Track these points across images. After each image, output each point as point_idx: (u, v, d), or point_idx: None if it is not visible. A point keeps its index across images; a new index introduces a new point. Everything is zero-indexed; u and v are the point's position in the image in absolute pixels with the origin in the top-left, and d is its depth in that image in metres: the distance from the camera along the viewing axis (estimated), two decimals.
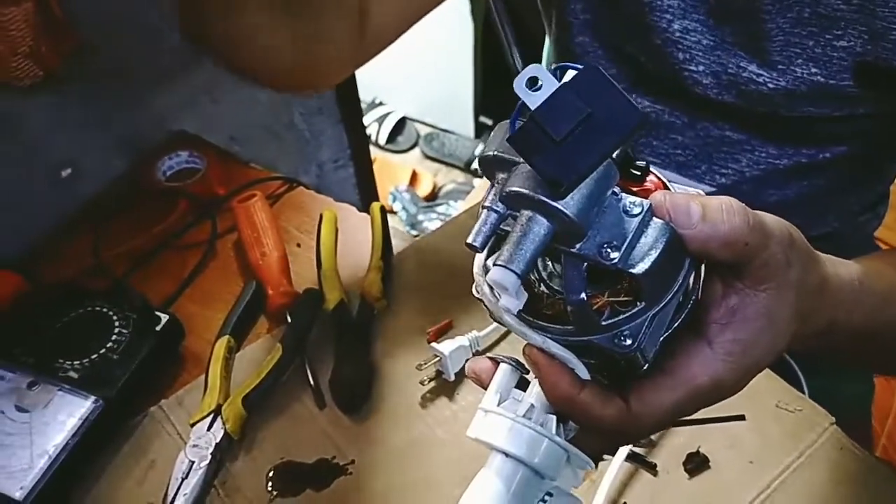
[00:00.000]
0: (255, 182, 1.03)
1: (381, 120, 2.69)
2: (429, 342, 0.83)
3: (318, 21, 0.63)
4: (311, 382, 0.82)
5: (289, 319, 0.85)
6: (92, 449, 0.77)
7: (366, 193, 1.57)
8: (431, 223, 2.37)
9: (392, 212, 2.40)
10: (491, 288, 0.40)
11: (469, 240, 0.38)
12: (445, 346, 0.80)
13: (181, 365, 0.86)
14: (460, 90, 2.55)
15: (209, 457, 0.75)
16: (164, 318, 0.84)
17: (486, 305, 0.41)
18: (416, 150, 2.70)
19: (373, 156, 2.60)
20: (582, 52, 0.83)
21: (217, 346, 0.83)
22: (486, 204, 0.39)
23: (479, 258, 0.42)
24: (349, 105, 1.45)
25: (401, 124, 2.71)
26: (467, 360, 0.48)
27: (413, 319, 0.87)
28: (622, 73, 0.82)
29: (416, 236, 1.00)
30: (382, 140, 2.68)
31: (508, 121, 0.37)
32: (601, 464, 0.72)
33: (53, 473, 0.74)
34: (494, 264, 0.37)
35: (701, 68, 0.75)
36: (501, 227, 0.39)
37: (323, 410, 0.80)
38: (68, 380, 0.79)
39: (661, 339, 0.40)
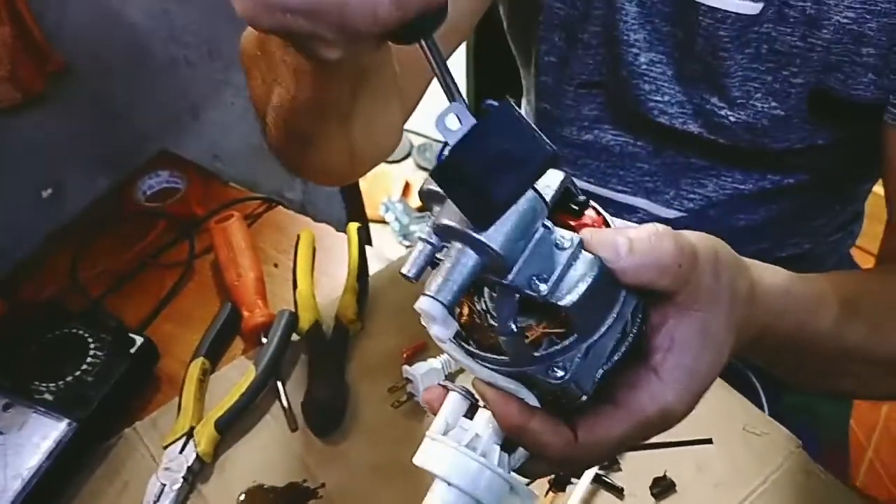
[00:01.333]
0: (234, 202, 1.04)
1: None
2: (403, 364, 0.83)
3: (373, 127, 0.65)
4: (284, 405, 0.82)
5: (263, 341, 0.86)
6: (66, 471, 0.78)
7: (352, 208, 1.58)
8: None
9: (385, 222, 2.41)
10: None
11: (404, 270, 0.39)
12: (417, 369, 0.81)
13: (156, 386, 0.87)
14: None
15: (181, 480, 0.76)
16: (139, 340, 0.85)
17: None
18: (410, 161, 2.71)
19: None
20: (545, 91, 0.84)
21: (191, 368, 0.83)
22: (422, 235, 0.40)
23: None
24: None
25: None
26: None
27: (388, 341, 0.88)
28: (584, 111, 0.83)
29: (408, 247, 1.01)
30: None
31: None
32: (568, 487, 0.73)
33: (28, 496, 0.74)
34: (423, 294, 0.37)
35: (666, 98, 0.76)
36: (437, 257, 0.40)
37: (295, 433, 0.81)
38: (43, 402, 0.80)
39: (604, 370, 0.41)
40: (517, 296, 0.38)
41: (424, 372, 0.80)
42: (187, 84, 1.20)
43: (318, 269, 0.95)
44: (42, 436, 0.78)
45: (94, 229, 1.02)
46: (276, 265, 0.98)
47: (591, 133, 0.85)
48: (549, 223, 0.38)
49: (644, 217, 0.86)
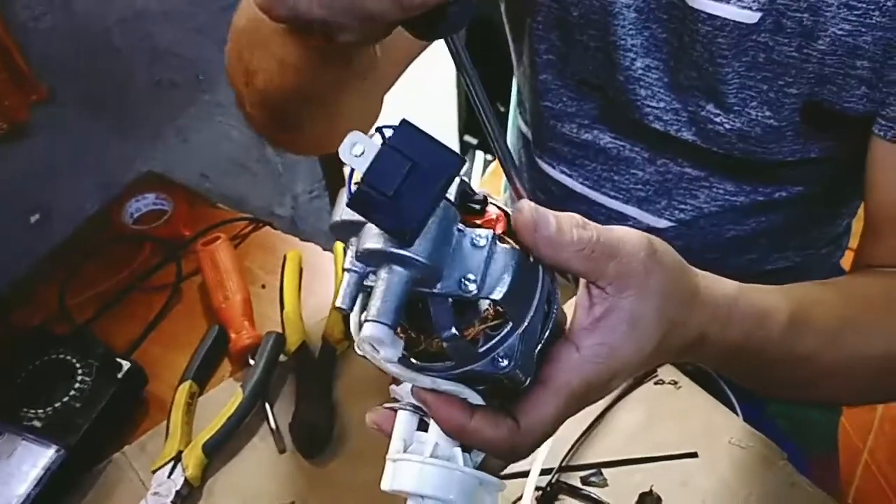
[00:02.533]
0: (220, 223, 1.04)
1: None
2: (390, 384, 0.83)
3: (353, 110, 0.66)
4: (272, 426, 0.83)
5: (251, 363, 0.86)
6: (56, 497, 0.78)
7: None
8: None
9: None
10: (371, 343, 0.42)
11: (337, 303, 0.40)
12: (405, 388, 0.81)
13: (145, 410, 0.87)
14: (444, 110, 2.56)
15: None
16: (127, 364, 0.85)
17: (371, 361, 0.43)
18: None
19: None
20: (545, 89, 0.84)
21: (178, 391, 0.84)
22: (346, 266, 0.41)
23: (354, 318, 0.44)
24: None
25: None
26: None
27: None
28: (586, 109, 0.84)
29: None
30: None
31: (345, 189, 0.40)
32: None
33: None
34: (365, 321, 0.38)
35: (662, 105, 0.77)
36: (365, 283, 0.41)
37: (283, 455, 0.81)
38: (32, 429, 0.80)
39: (538, 350, 0.43)
40: (449, 300, 0.40)
41: (409, 390, 0.80)
42: (173, 105, 1.21)
43: (305, 289, 0.96)
44: (31, 463, 0.78)
45: (82, 254, 1.02)
46: (263, 286, 0.98)
47: (591, 132, 0.85)
48: (461, 225, 0.40)
49: (634, 226, 0.87)
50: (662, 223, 0.86)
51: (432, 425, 0.45)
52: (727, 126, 0.74)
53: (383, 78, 0.68)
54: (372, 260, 0.39)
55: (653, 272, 0.44)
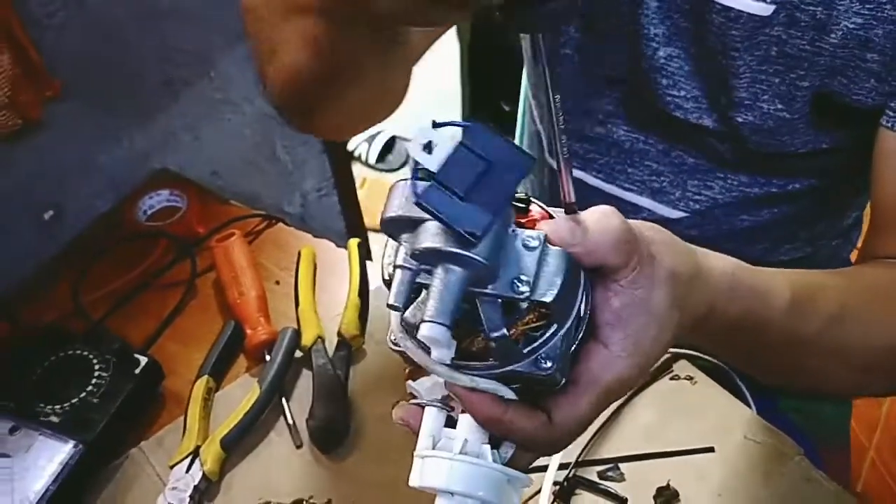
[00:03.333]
0: (234, 220, 1.04)
1: (370, 140, 2.70)
2: (406, 379, 0.84)
3: (381, 91, 0.65)
4: (289, 422, 0.83)
5: (267, 358, 0.86)
6: (73, 493, 0.79)
7: (351, 221, 1.59)
8: None
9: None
10: (416, 341, 0.42)
11: (390, 301, 0.40)
12: (421, 384, 0.81)
13: (161, 405, 0.87)
14: (449, 109, 2.56)
15: (188, 499, 0.76)
16: (143, 360, 0.85)
17: (408, 357, 0.44)
18: (406, 170, 2.72)
19: (363, 176, 2.63)
20: (565, 81, 0.84)
21: (195, 387, 0.84)
22: (399, 263, 0.41)
23: (395, 314, 0.44)
24: None
25: (390, 143, 2.73)
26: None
27: (390, 356, 0.87)
28: (601, 103, 0.84)
29: None
30: (372, 160, 2.69)
31: (405, 181, 0.39)
32: (572, 499, 0.74)
33: None
34: (423, 321, 0.38)
35: (682, 93, 0.77)
36: (417, 281, 0.41)
37: (300, 450, 0.81)
38: (49, 424, 0.80)
39: (572, 351, 0.43)
40: (499, 301, 0.39)
41: (428, 386, 0.80)
42: (184, 103, 1.21)
43: (319, 285, 0.96)
44: (48, 458, 0.78)
45: (96, 251, 1.03)
46: (277, 282, 0.98)
47: (604, 127, 0.85)
48: (513, 226, 0.40)
49: (648, 217, 0.87)
50: (677, 214, 0.86)
51: (461, 422, 0.45)
52: (739, 119, 0.75)
53: (414, 52, 0.66)
54: (429, 259, 0.39)
55: (658, 258, 0.44)
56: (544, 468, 0.73)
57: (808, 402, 0.96)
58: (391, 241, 0.43)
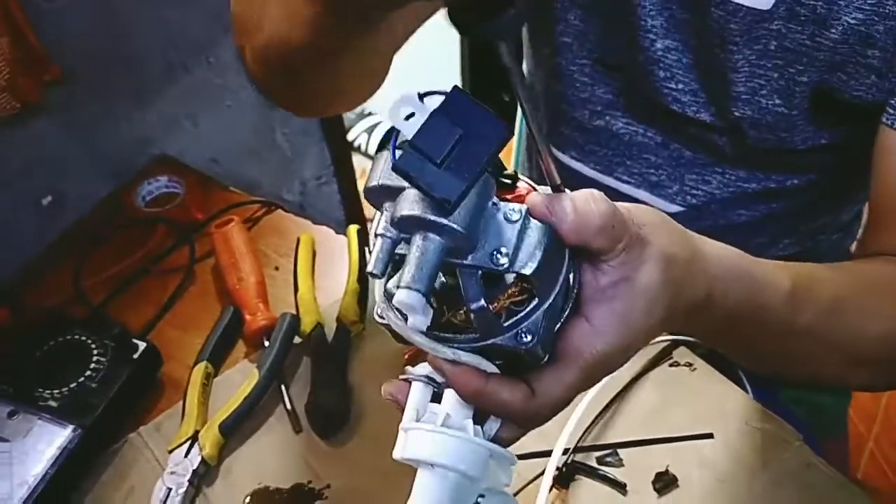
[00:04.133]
0: (233, 206, 1.04)
1: (370, 130, 2.70)
2: (405, 364, 0.84)
3: (362, 70, 0.65)
4: (288, 407, 0.83)
5: (266, 344, 0.86)
6: (71, 477, 0.78)
7: (350, 209, 1.59)
8: None
9: None
10: (396, 310, 0.42)
11: (369, 268, 0.40)
12: (419, 370, 0.81)
13: (160, 390, 0.87)
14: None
15: (186, 483, 0.76)
16: (142, 345, 0.85)
17: (391, 329, 0.44)
18: None
19: (363, 166, 2.62)
20: (559, 73, 0.84)
21: (194, 372, 0.84)
22: (379, 231, 0.41)
23: (379, 285, 0.44)
24: (331, 121, 1.47)
25: (390, 133, 2.73)
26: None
27: (389, 342, 0.87)
28: (599, 93, 0.83)
29: None
30: (372, 149, 2.69)
31: (388, 151, 0.39)
32: (571, 484, 0.74)
33: (34, 503, 0.74)
34: (398, 287, 0.38)
35: (680, 86, 0.77)
36: (397, 251, 0.41)
37: (299, 435, 0.81)
38: (48, 409, 0.80)
39: (557, 328, 0.43)
40: (479, 272, 0.40)
41: (427, 372, 0.81)
42: (184, 89, 1.20)
43: (318, 271, 0.96)
44: (47, 442, 0.78)
45: (95, 236, 1.02)
46: (276, 268, 0.98)
47: (603, 119, 0.85)
48: (495, 199, 0.40)
49: None
50: (674, 208, 0.86)
51: (445, 397, 0.46)
52: (737, 114, 0.74)
53: (395, 37, 0.66)
54: (408, 226, 0.39)
55: (650, 239, 0.44)
56: (545, 453, 0.73)
57: (808, 393, 0.96)
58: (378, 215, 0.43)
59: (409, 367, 0.82)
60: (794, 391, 0.95)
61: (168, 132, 1.20)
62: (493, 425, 0.46)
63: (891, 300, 0.65)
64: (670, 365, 0.83)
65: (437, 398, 0.47)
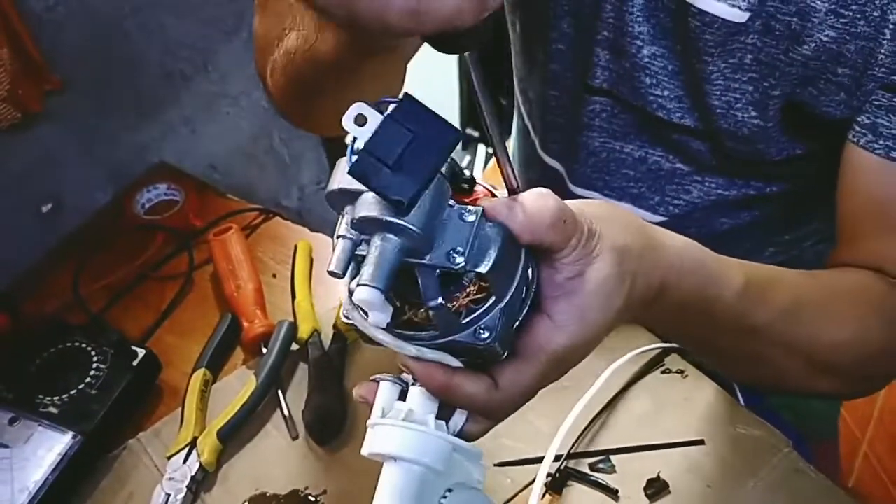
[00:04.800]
0: (231, 213, 1.05)
1: None
2: (400, 372, 0.85)
3: (380, 85, 0.65)
4: (285, 413, 0.84)
5: (263, 351, 0.87)
6: (71, 483, 0.79)
7: None
8: None
9: None
10: (360, 310, 0.43)
11: (330, 268, 0.42)
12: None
13: (159, 397, 0.88)
14: (446, 102, 2.57)
15: (185, 489, 0.77)
16: (141, 352, 0.86)
17: (357, 329, 0.45)
18: None
19: None
20: (554, 78, 0.85)
21: (193, 379, 0.85)
22: (340, 233, 0.42)
23: (344, 285, 0.45)
24: None
25: None
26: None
27: (385, 349, 0.89)
28: (583, 108, 0.84)
29: None
30: None
31: (346, 158, 0.41)
32: (564, 490, 0.75)
33: None
34: (358, 285, 0.40)
35: (666, 93, 0.77)
36: (357, 252, 0.42)
37: (296, 441, 0.82)
38: (48, 415, 0.81)
39: (516, 325, 0.45)
40: (437, 271, 0.41)
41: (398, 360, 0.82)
42: (183, 96, 1.21)
43: (315, 278, 0.97)
44: (47, 449, 0.79)
45: (94, 243, 1.03)
46: (274, 275, 0.99)
47: (583, 136, 0.86)
48: (451, 201, 0.42)
49: None
50: (657, 218, 0.87)
51: (410, 393, 0.47)
52: (714, 126, 0.75)
53: (408, 47, 0.68)
54: (366, 228, 0.41)
55: (601, 233, 0.46)
56: (540, 460, 0.74)
57: (798, 399, 0.97)
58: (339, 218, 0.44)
59: (405, 375, 0.83)
60: (783, 397, 0.96)
61: (166, 139, 1.21)
62: (458, 420, 0.47)
63: (852, 307, 0.66)
64: (662, 372, 0.84)
65: (404, 396, 0.48)
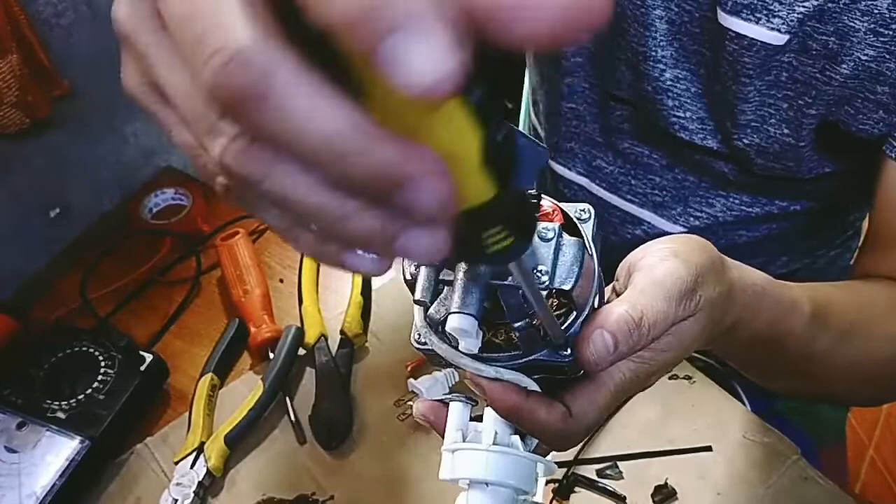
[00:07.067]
0: (238, 218, 1.05)
1: None
2: (408, 377, 0.85)
3: None
4: (292, 418, 0.84)
5: (271, 356, 0.87)
6: (79, 488, 0.80)
7: None
8: None
9: None
10: (441, 336, 0.43)
11: (417, 297, 0.42)
12: (422, 383, 0.82)
13: (166, 402, 0.88)
14: None
15: (192, 494, 0.77)
16: (149, 357, 0.86)
17: (433, 354, 0.44)
18: None
19: None
20: (570, 92, 0.85)
21: (200, 384, 0.85)
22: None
23: (420, 312, 0.45)
24: None
25: None
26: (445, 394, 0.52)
27: (392, 354, 0.89)
28: (612, 113, 0.84)
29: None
30: None
31: None
32: (572, 496, 0.75)
33: None
34: (450, 312, 0.39)
35: (688, 114, 0.77)
36: (440, 277, 0.42)
37: (303, 446, 0.82)
38: (56, 420, 0.81)
39: None
40: (520, 291, 0.40)
41: (429, 385, 0.82)
42: None
43: (322, 284, 0.97)
44: (55, 454, 0.79)
45: (102, 248, 1.04)
46: (281, 280, 0.99)
47: (611, 137, 0.86)
48: None
49: (648, 230, 0.87)
50: (677, 228, 0.86)
51: (487, 416, 0.47)
52: (745, 141, 0.75)
53: None
54: None
55: (701, 289, 0.46)
56: None
57: (806, 405, 0.97)
58: None
59: (413, 381, 0.83)
60: (790, 402, 0.96)
61: (174, 144, 1.21)
62: (533, 439, 0.47)
63: (890, 324, 0.67)
64: (669, 378, 0.84)
65: (475, 416, 0.48)
